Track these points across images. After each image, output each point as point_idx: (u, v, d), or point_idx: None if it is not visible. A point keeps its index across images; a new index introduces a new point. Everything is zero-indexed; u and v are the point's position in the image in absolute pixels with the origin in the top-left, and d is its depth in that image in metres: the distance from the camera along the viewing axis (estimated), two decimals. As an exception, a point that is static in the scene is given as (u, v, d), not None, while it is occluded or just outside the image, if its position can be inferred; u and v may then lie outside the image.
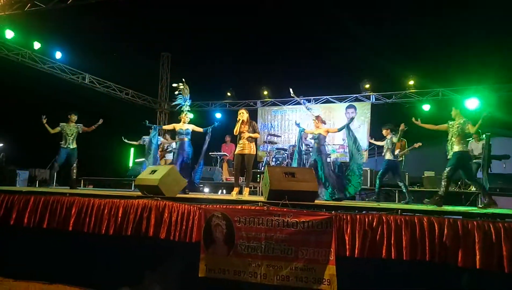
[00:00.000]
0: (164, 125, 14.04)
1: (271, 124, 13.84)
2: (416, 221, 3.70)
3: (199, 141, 6.98)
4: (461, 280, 3.64)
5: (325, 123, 6.76)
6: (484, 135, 8.08)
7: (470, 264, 3.48)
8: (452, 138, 5.46)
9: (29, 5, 8.88)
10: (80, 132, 7.40)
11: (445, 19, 10.37)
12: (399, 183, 6.91)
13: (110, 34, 11.41)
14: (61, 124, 7.30)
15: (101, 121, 7.48)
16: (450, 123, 5.59)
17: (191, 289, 4.39)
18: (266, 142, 11.54)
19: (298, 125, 6.98)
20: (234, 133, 6.06)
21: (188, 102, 6.88)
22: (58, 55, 11.40)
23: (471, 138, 8.49)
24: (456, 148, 5.38)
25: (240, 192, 6.23)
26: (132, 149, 14.06)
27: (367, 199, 7.77)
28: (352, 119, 6.69)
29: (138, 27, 11.86)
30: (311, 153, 7.13)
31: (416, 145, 8.41)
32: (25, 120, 11.12)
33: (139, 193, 5.09)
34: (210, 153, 8.20)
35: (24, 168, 10.00)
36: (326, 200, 6.02)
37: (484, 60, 10.10)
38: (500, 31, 9.52)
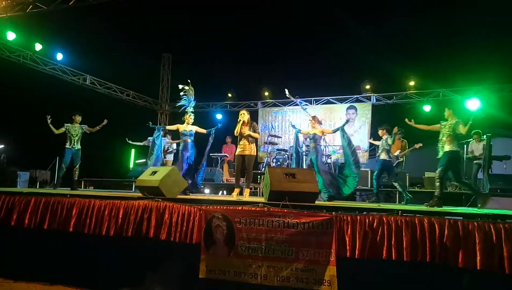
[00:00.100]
0: (150, 122, 14.10)
1: (271, 125, 13.84)
2: (416, 222, 3.70)
3: (202, 143, 7.00)
4: (461, 281, 3.64)
5: (321, 124, 6.84)
6: (485, 136, 8.08)
7: (471, 265, 3.48)
8: (443, 138, 5.50)
9: (30, 6, 8.89)
10: (88, 132, 7.42)
11: (446, 19, 10.37)
12: (394, 183, 6.92)
13: (111, 35, 11.44)
14: (65, 124, 7.30)
15: (105, 121, 7.50)
16: (443, 123, 5.62)
17: (192, 290, 4.38)
18: (266, 143, 11.54)
19: (293, 126, 7.09)
20: (235, 134, 6.06)
21: (192, 104, 6.90)
22: (59, 56, 11.44)
23: (471, 139, 8.49)
24: (447, 147, 5.42)
25: (241, 193, 6.23)
26: (132, 150, 14.07)
27: (367, 200, 7.76)
28: (347, 121, 6.69)
29: (139, 28, 11.88)
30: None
31: (417, 145, 8.43)
32: (26, 122, 11.15)
33: (140, 194, 5.09)
34: (210, 154, 8.21)
35: (25, 169, 10.02)
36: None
37: (485, 60, 10.09)
38: (501, 31, 9.52)
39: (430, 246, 3.59)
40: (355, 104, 12.95)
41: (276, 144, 11.52)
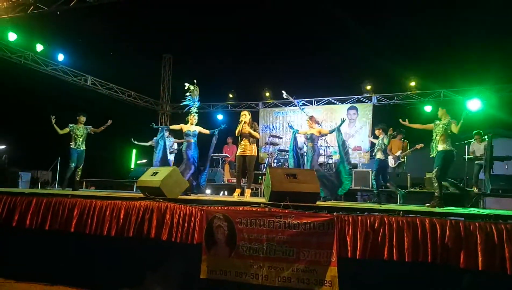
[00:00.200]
0: (154, 123, 14.11)
1: (272, 126, 13.84)
2: (418, 222, 3.70)
3: (205, 144, 7.00)
4: (463, 281, 3.63)
5: (318, 123, 6.90)
6: (486, 136, 8.07)
7: (472, 266, 3.47)
8: (437, 137, 5.53)
9: (31, 7, 8.91)
10: (90, 133, 7.42)
11: (446, 20, 10.36)
12: (387, 184, 6.93)
13: (112, 36, 11.47)
14: (70, 125, 7.30)
15: (109, 122, 7.50)
16: (436, 122, 5.65)
17: (193, 291, 4.38)
18: (267, 144, 11.55)
19: (291, 127, 7.14)
20: (236, 134, 6.07)
21: (196, 104, 6.90)
22: (61, 57, 11.47)
23: (473, 139, 8.48)
24: (441, 147, 5.45)
25: (242, 194, 6.23)
26: (134, 151, 14.10)
27: (368, 201, 7.76)
28: (343, 121, 6.73)
29: (140, 29, 11.91)
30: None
31: (418, 146, 8.42)
32: (27, 122, 11.18)
33: (141, 195, 5.10)
34: (211, 155, 8.23)
35: (26, 169, 10.03)
36: None
37: (486, 61, 10.09)
38: (501, 31, 9.52)
39: (432, 247, 3.58)
40: (356, 105, 12.95)
41: (277, 144, 11.53)
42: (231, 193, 7.88)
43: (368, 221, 3.81)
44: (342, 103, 13.14)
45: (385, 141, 6.91)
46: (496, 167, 8.05)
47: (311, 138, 6.56)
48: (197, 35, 12.38)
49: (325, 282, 3.82)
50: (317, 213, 4.06)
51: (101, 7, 8.84)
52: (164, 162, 6.94)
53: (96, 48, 11.67)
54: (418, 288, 3.80)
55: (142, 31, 11.99)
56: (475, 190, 7.94)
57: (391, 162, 9.27)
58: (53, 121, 7.14)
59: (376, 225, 3.77)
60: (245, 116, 5.99)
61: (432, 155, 5.58)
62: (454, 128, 5.37)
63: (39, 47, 10.78)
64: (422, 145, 7.98)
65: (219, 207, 4.27)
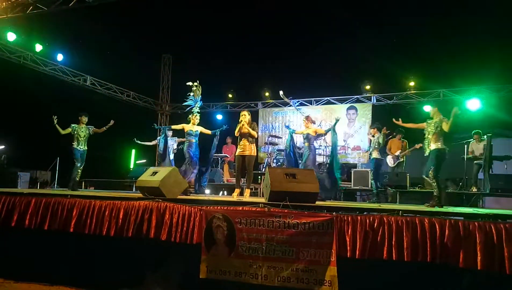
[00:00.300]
0: (155, 124, 14.11)
1: (272, 126, 13.85)
2: (417, 222, 3.70)
3: (204, 144, 7.01)
4: (462, 281, 3.63)
5: (314, 123, 7.02)
6: (485, 136, 8.07)
7: (472, 265, 3.47)
8: (429, 136, 5.55)
9: (30, 7, 8.90)
10: (91, 133, 7.38)
11: (446, 20, 10.37)
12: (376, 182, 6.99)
13: (111, 36, 11.46)
14: (72, 125, 7.25)
15: (112, 122, 7.47)
16: (428, 121, 5.67)
17: (192, 291, 4.38)
18: (267, 144, 11.55)
19: (287, 127, 7.26)
20: (236, 134, 6.07)
21: (198, 104, 6.90)
22: (60, 57, 11.46)
23: (472, 139, 8.48)
24: (433, 146, 5.47)
25: (241, 194, 6.23)
26: (133, 151, 14.09)
27: (368, 201, 7.77)
28: (337, 120, 6.80)
29: (139, 29, 11.90)
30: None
31: (417, 146, 8.42)
32: (26, 122, 11.17)
33: (140, 195, 5.09)
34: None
35: (26, 170, 10.02)
36: None
37: (485, 61, 10.09)
38: (501, 31, 9.52)
39: (431, 246, 3.58)
40: (356, 105, 12.96)
41: (277, 144, 11.53)
42: (230, 193, 7.87)
43: (368, 220, 3.81)
44: (342, 103, 13.15)
45: (380, 140, 6.95)
46: (495, 166, 8.06)
47: (307, 138, 6.66)
48: (197, 35, 12.39)
49: (325, 282, 3.82)
50: (317, 213, 4.06)
51: (100, 7, 8.82)
52: (168, 162, 6.95)
53: (96, 48, 11.66)
54: (417, 288, 3.80)
55: (141, 31, 11.99)
56: (474, 189, 7.95)
57: (390, 161, 9.27)
58: (55, 121, 7.10)
59: (375, 224, 3.78)
60: (245, 116, 5.99)
61: (427, 154, 5.60)
62: (445, 127, 5.39)
63: (38, 47, 10.77)
64: (421, 145, 7.96)
65: (219, 207, 4.27)
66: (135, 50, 12.40)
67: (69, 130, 7.22)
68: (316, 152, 8.54)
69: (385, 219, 3.78)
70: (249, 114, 6.07)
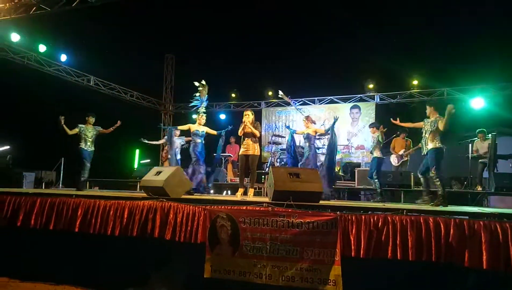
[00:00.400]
0: (161, 124, 14.12)
1: (275, 125, 13.85)
2: (421, 221, 3.69)
3: (209, 145, 7.02)
4: (467, 281, 3.62)
5: (315, 123, 7.08)
6: (490, 135, 8.03)
7: (477, 265, 3.46)
8: (426, 135, 5.57)
9: (34, 8, 8.93)
10: (98, 134, 7.36)
11: (450, 18, 10.32)
12: (374, 180, 6.96)
13: (114, 36, 11.49)
14: (79, 125, 7.24)
15: (119, 123, 7.45)
16: (426, 120, 5.68)
17: (197, 290, 4.39)
18: (270, 143, 11.55)
19: (288, 127, 7.37)
20: (239, 134, 6.07)
21: (204, 104, 6.90)
22: (63, 57, 11.51)
23: (476, 138, 8.44)
24: (431, 145, 5.47)
25: (245, 193, 6.24)
26: (137, 151, 14.14)
27: (372, 200, 7.75)
28: (335, 120, 6.82)
29: (142, 29, 11.93)
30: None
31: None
32: (31, 123, 11.22)
33: (145, 194, 5.11)
34: (214, 154, 8.24)
35: (31, 170, 10.06)
36: None
37: (489, 59, 10.04)
38: (505, 29, 9.46)
39: (436, 246, 3.57)
40: (359, 104, 12.92)
41: (280, 143, 11.52)
42: (234, 192, 7.88)
43: (372, 220, 3.80)
44: (345, 102, 13.12)
45: (380, 138, 6.96)
46: (500, 165, 8.01)
47: (308, 138, 6.73)
48: (200, 35, 12.40)
49: (329, 281, 3.82)
50: (321, 212, 4.05)
51: (103, 7, 8.84)
52: (175, 162, 6.96)
53: (99, 48, 11.70)
54: (422, 287, 3.79)
55: (144, 31, 12.01)
56: (479, 188, 7.91)
57: (394, 161, 9.26)
58: (62, 122, 7.05)
59: (379, 224, 3.77)
60: (248, 116, 5.99)
61: (424, 153, 5.63)
62: (440, 125, 5.39)
63: (42, 48, 10.81)
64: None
65: (222, 207, 4.28)
66: (138, 50, 12.44)
67: (76, 130, 7.19)
68: (320, 151, 8.56)
69: (389, 218, 3.77)
70: (252, 114, 6.07)
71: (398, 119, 6.42)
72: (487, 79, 10.87)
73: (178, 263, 4.51)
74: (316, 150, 7.06)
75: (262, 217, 4.08)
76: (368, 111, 12.73)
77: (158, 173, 5.21)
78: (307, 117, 6.94)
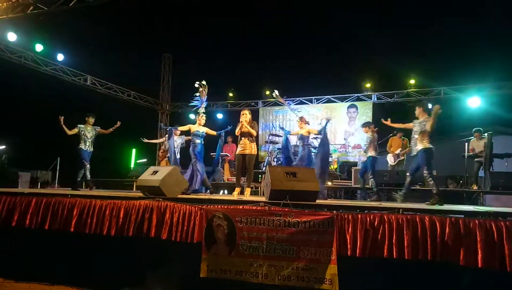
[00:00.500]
0: (162, 124, 14.11)
1: (272, 124, 13.84)
2: (417, 220, 3.69)
3: (209, 145, 7.01)
4: (463, 279, 3.63)
5: (308, 124, 7.19)
6: (485, 134, 8.06)
7: (472, 263, 3.47)
8: (415, 136, 5.62)
9: (31, 8, 8.90)
10: (98, 134, 7.32)
11: (447, 18, 10.36)
12: (370, 178, 6.98)
13: (111, 35, 11.46)
14: (79, 125, 7.17)
15: (118, 123, 7.42)
16: (415, 121, 5.73)
17: (193, 290, 4.39)
18: (267, 142, 11.54)
19: (282, 128, 7.50)
20: (236, 133, 6.06)
21: (204, 104, 6.88)
22: (60, 57, 11.48)
23: (472, 137, 8.47)
24: (420, 145, 5.52)
25: (242, 193, 6.23)
26: (133, 150, 14.11)
27: (368, 199, 7.76)
28: (327, 122, 6.96)
29: (139, 28, 11.90)
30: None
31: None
32: (27, 122, 11.18)
33: (141, 194, 5.09)
34: (211, 154, 8.22)
35: (26, 169, 10.03)
36: None
37: (486, 58, 10.08)
38: (502, 29, 9.51)
39: (431, 244, 3.58)
40: (356, 103, 12.94)
41: (277, 143, 11.50)
42: (230, 192, 7.88)
43: (368, 219, 3.81)
44: (342, 101, 13.14)
45: (371, 138, 7.03)
46: (496, 164, 8.05)
47: (302, 138, 6.83)
48: (197, 34, 12.38)
49: (325, 280, 3.82)
50: (317, 211, 4.06)
51: (101, 7, 8.82)
52: (174, 162, 6.95)
53: (96, 48, 11.67)
54: (418, 286, 3.80)
55: (141, 30, 11.99)
56: (475, 187, 7.94)
57: (390, 160, 9.28)
58: (62, 122, 6.99)
59: (376, 223, 3.77)
60: (245, 115, 5.98)
61: (414, 154, 5.69)
62: (428, 126, 5.44)
63: (39, 47, 10.78)
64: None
65: (219, 206, 4.27)
66: (136, 50, 12.41)
67: (75, 130, 7.13)
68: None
69: (385, 217, 3.78)
70: (249, 113, 6.06)
71: (389, 119, 6.48)
72: (484, 78, 10.91)
73: (175, 263, 4.50)
74: (310, 150, 7.10)
75: (259, 217, 4.08)
76: (365, 110, 12.75)
77: (155, 172, 5.19)
78: (301, 118, 7.03)
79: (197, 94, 6.88)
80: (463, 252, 3.51)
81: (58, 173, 9.61)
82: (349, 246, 3.79)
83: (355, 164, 11.55)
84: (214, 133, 6.79)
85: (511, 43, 9.56)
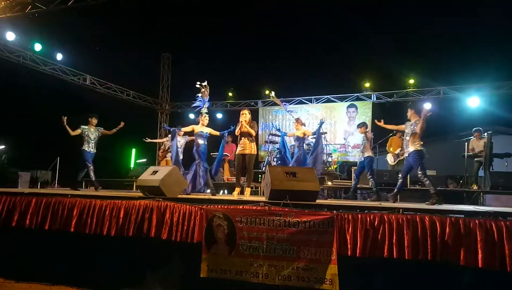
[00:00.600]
0: (165, 124, 14.09)
1: (272, 124, 13.82)
2: (417, 220, 3.70)
3: (210, 145, 7.03)
4: (463, 279, 3.63)
5: (304, 125, 7.33)
6: (485, 134, 8.06)
7: (472, 263, 3.47)
8: (407, 137, 5.71)
9: (29, 7, 8.88)
10: (101, 135, 7.24)
11: (446, 18, 10.36)
12: (369, 179, 7.02)
13: (110, 35, 11.45)
14: (82, 126, 7.10)
15: (122, 124, 7.33)
16: (407, 123, 5.80)
17: (193, 290, 4.39)
18: (267, 142, 11.54)
19: (278, 129, 7.64)
20: (236, 133, 6.06)
21: (207, 104, 6.87)
22: (59, 56, 11.45)
23: (472, 137, 8.47)
24: (411, 147, 5.60)
25: (242, 192, 6.23)
26: (133, 150, 14.10)
27: (368, 199, 7.77)
28: (321, 123, 7.05)
29: (139, 27, 11.88)
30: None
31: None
32: (26, 122, 11.16)
33: (141, 194, 5.09)
34: (211, 153, 8.21)
35: (26, 169, 10.02)
36: None
37: (486, 58, 10.09)
38: (501, 28, 9.51)
39: (432, 244, 3.58)
40: (356, 103, 12.95)
41: (277, 143, 11.46)
42: (230, 192, 7.87)
43: (368, 219, 3.81)
44: (342, 101, 13.14)
45: (366, 138, 7.09)
46: (496, 164, 8.05)
47: (297, 139, 6.97)
48: (196, 34, 12.37)
49: (325, 280, 3.82)
50: (317, 211, 4.06)
51: (100, 6, 8.80)
52: (176, 162, 6.94)
53: (95, 47, 11.65)
54: (418, 286, 3.80)
55: (141, 29, 11.97)
56: (475, 187, 7.94)
57: (390, 160, 9.28)
58: (65, 122, 6.91)
59: (376, 223, 3.77)
60: (245, 115, 5.98)
61: (406, 156, 5.77)
62: (418, 128, 5.52)
63: (38, 47, 10.77)
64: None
65: (219, 206, 4.27)
66: (135, 49, 12.39)
67: (78, 131, 7.05)
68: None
69: (385, 217, 3.78)
70: (249, 113, 6.05)
71: (382, 120, 6.56)
72: (483, 78, 10.92)
73: (175, 263, 4.50)
74: (305, 151, 7.19)
75: (259, 216, 4.08)
76: (365, 110, 12.75)
77: (155, 172, 5.19)
78: (297, 119, 7.17)
79: (199, 95, 6.85)
80: (463, 252, 3.51)
81: (58, 173, 9.60)
82: (349, 246, 3.79)
83: (355, 164, 11.53)
84: (217, 133, 6.77)
85: (510, 43, 9.57)
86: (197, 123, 6.79)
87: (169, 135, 7.91)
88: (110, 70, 12.38)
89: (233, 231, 4.14)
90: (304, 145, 7.23)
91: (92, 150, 7.15)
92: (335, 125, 13.08)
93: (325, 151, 10.08)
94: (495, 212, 3.86)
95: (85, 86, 12.39)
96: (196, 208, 4.33)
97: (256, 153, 6.16)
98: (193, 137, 6.97)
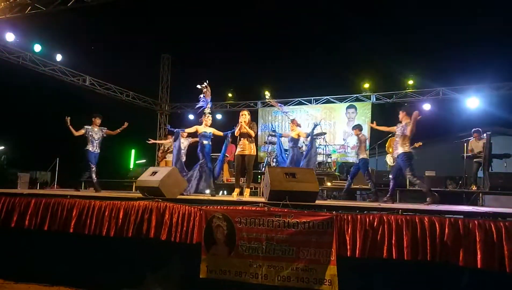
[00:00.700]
0: (166, 124, 14.09)
1: (271, 125, 13.85)
2: (417, 220, 3.70)
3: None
4: (462, 279, 3.63)
5: (300, 126, 7.45)
6: (484, 134, 8.07)
7: (471, 264, 3.47)
8: (397, 139, 5.79)
9: (29, 8, 8.89)
10: (104, 135, 7.20)
11: (446, 19, 10.38)
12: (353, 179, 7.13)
13: (110, 36, 11.46)
14: (85, 127, 7.04)
15: (126, 124, 7.31)
16: (398, 125, 5.89)
17: (192, 290, 4.38)
18: (267, 143, 11.53)
19: (274, 131, 7.55)
20: (235, 134, 6.06)
21: (210, 105, 6.87)
22: (59, 57, 11.45)
23: (471, 137, 8.48)
24: (401, 149, 5.69)
25: (241, 193, 6.23)
26: (133, 151, 14.09)
27: (367, 199, 7.77)
28: (315, 125, 7.24)
29: (139, 29, 11.89)
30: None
31: (417, 144, 8.41)
32: (26, 123, 11.16)
33: (140, 195, 5.09)
34: (211, 155, 8.20)
35: (25, 170, 10.01)
36: None
37: (485, 59, 10.11)
38: (500, 29, 9.52)
39: (431, 245, 3.58)
40: (355, 103, 12.96)
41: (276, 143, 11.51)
42: (230, 192, 7.87)
43: (367, 219, 3.81)
44: (341, 102, 13.15)
45: (359, 140, 7.17)
46: (495, 164, 8.06)
47: (292, 140, 7.07)
48: (196, 35, 12.38)
49: (325, 281, 3.82)
50: (316, 212, 4.06)
51: (99, 7, 8.81)
52: (179, 164, 6.93)
53: (95, 48, 11.66)
54: (417, 286, 3.80)
55: (140, 31, 11.98)
56: (474, 188, 7.95)
57: (390, 160, 9.27)
58: (68, 122, 6.86)
59: (375, 223, 3.78)
60: (245, 116, 5.98)
61: (396, 155, 5.82)
62: (408, 130, 5.59)
63: (37, 48, 10.77)
64: (420, 143, 7.97)
65: (218, 207, 4.27)
66: (134, 50, 12.41)
67: (82, 131, 6.99)
68: (317, 151, 8.67)
69: (385, 218, 3.78)
70: (249, 114, 6.06)
71: (374, 122, 6.71)
72: (482, 78, 10.94)
73: (174, 264, 4.50)
74: (300, 152, 7.27)
75: (258, 217, 4.08)
76: (364, 110, 12.76)
77: (154, 173, 5.19)
78: (293, 120, 7.27)
79: (202, 95, 6.86)
80: (462, 252, 3.51)
81: (57, 173, 9.60)
82: (348, 247, 3.79)
83: (354, 164, 11.57)
84: (220, 133, 6.76)
85: (509, 44, 9.59)
86: (200, 124, 6.79)
87: (172, 137, 7.90)
88: (110, 71, 12.39)
89: (233, 232, 4.14)
90: (298, 146, 7.34)
91: (96, 150, 7.10)
92: (335, 126, 13.09)
93: (323, 152, 10.09)
94: (494, 212, 3.86)
95: (85, 87, 12.40)
96: (196, 208, 4.33)
97: (255, 154, 6.16)
98: (197, 139, 6.97)
